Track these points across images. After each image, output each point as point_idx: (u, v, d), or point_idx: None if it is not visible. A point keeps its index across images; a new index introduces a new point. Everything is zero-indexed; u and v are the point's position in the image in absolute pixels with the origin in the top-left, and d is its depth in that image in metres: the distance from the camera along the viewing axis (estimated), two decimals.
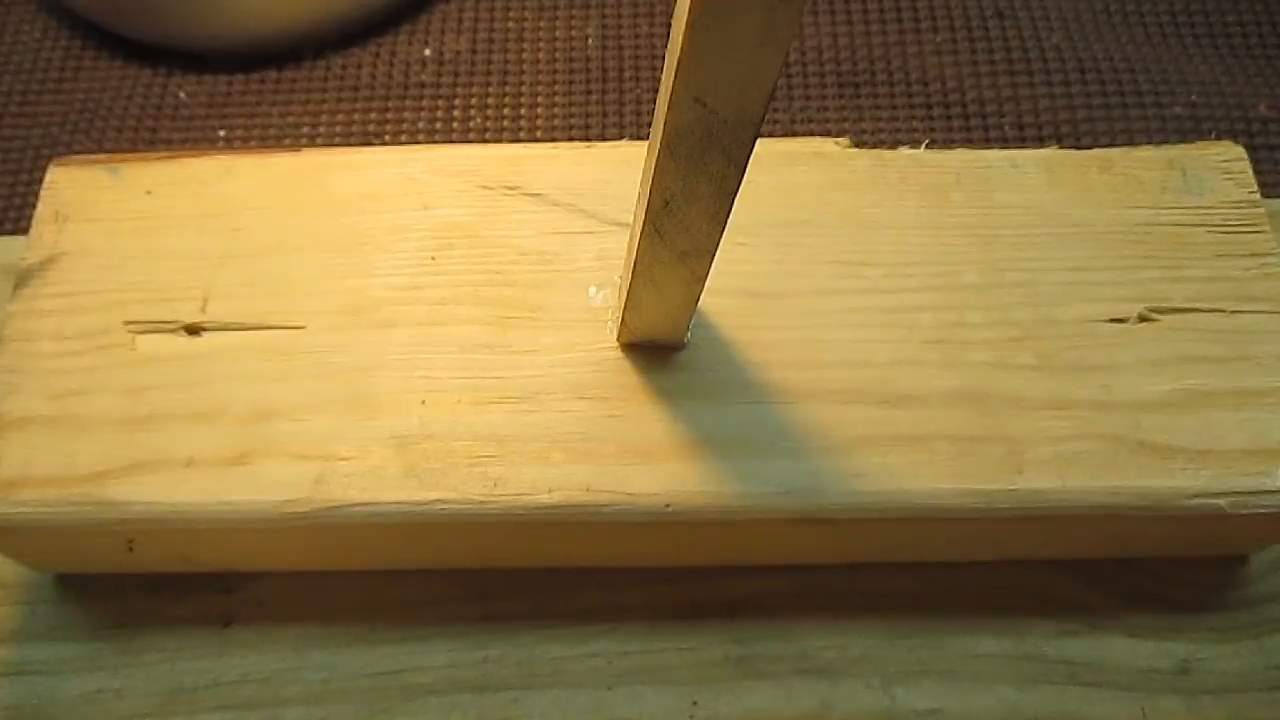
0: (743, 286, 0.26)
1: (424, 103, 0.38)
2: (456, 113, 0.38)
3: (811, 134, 0.37)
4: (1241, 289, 0.27)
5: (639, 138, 0.37)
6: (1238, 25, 0.39)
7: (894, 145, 0.37)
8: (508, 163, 0.28)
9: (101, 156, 0.29)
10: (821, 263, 0.27)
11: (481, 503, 0.24)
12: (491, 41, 0.39)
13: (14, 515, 0.24)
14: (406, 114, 0.38)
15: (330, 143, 0.37)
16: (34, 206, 0.28)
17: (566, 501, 0.24)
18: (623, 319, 0.25)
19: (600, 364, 0.25)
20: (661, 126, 0.18)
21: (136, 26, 0.38)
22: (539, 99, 0.38)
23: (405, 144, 0.37)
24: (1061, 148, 0.36)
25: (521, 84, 0.38)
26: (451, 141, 0.37)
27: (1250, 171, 0.28)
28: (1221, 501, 0.24)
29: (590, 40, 0.39)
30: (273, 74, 0.38)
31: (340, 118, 0.38)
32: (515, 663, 0.28)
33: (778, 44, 0.16)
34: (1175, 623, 0.28)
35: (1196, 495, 0.24)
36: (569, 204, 0.28)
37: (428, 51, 0.39)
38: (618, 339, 0.26)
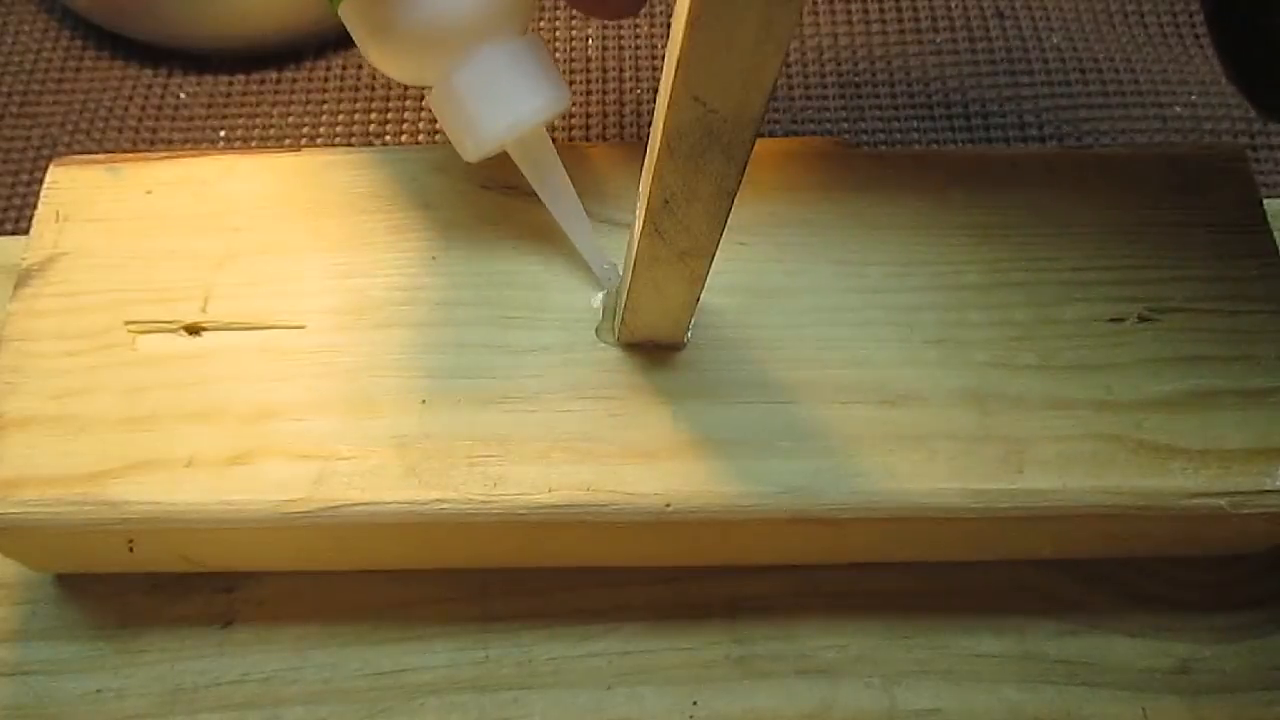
0: (743, 286, 0.26)
1: (424, 103, 0.38)
2: None
3: (811, 134, 0.37)
4: (1241, 289, 0.27)
5: (639, 138, 0.37)
6: None
7: (894, 145, 0.37)
8: (508, 163, 0.28)
9: (101, 156, 0.29)
10: (822, 262, 0.27)
11: (482, 502, 0.24)
12: None
13: (14, 515, 0.24)
14: (407, 114, 0.38)
15: (330, 143, 0.37)
16: (34, 206, 0.28)
17: (566, 501, 0.24)
18: (623, 319, 0.25)
19: (600, 364, 0.25)
20: (661, 126, 0.18)
21: (137, 26, 0.38)
22: None
23: (405, 144, 0.37)
24: (1061, 148, 0.36)
25: None
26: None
27: (1250, 171, 0.28)
28: (1221, 501, 0.24)
29: (590, 41, 0.39)
30: (273, 74, 0.38)
31: (340, 118, 0.38)
32: (515, 663, 0.28)
33: (777, 43, 0.16)
34: (1175, 623, 0.28)
35: (1196, 495, 0.24)
36: None
37: None
38: (618, 339, 0.26)
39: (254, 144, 0.37)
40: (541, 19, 0.40)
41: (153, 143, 0.37)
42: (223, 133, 0.37)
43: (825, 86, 0.38)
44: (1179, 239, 0.27)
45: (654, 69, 0.39)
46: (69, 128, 0.38)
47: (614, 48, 0.39)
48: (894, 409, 0.25)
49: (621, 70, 0.38)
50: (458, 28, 0.23)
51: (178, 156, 0.29)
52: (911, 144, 0.37)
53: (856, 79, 0.38)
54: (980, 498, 0.24)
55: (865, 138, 0.37)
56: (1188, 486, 0.24)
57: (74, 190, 0.28)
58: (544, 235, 0.27)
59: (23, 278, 0.27)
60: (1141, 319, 0.26)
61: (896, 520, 0.24)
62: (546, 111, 0.25)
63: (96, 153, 0.30)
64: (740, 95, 0.17)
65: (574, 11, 0.40)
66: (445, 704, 0.27)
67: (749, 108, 0.17)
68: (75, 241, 0.27)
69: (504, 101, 0.24)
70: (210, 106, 0.38)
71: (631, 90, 0.38)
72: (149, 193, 0.28)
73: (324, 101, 0.38)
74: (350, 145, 0.37)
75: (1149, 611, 0.28)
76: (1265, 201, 0.28)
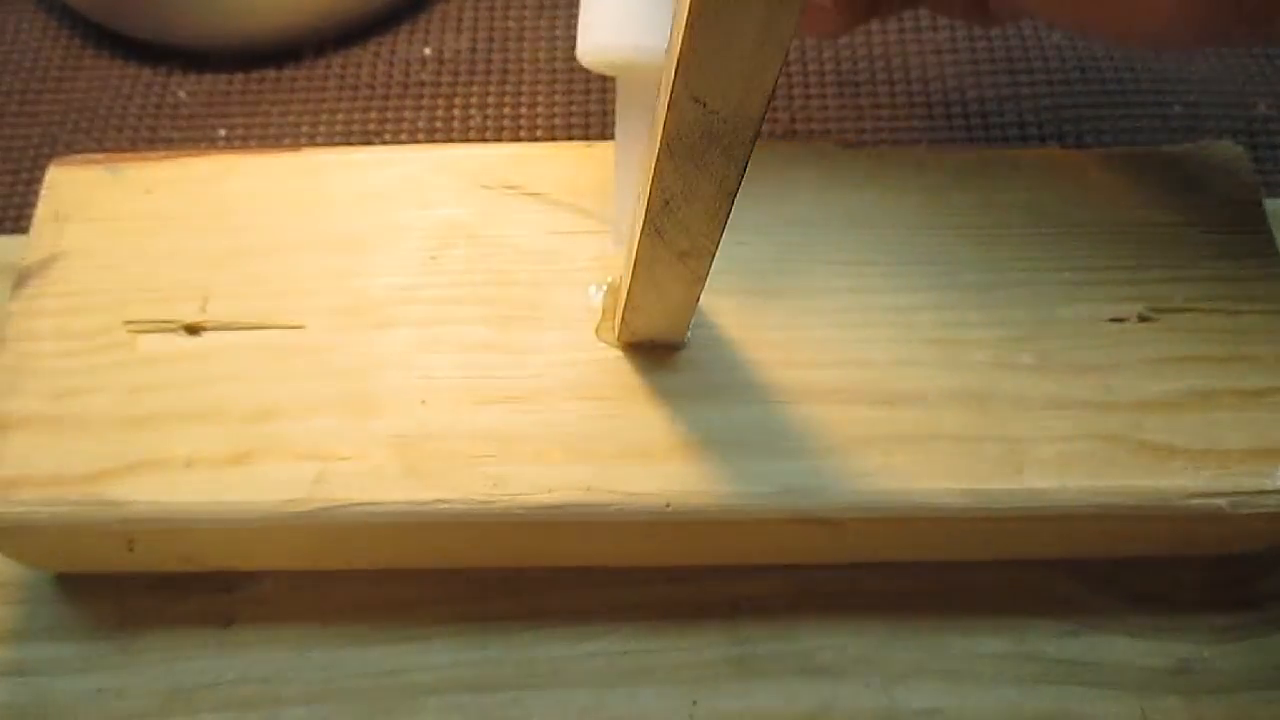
0: (743, 286, 0.26)
1: (424, 102, 0.38)
2: (456, 112, 0.38)
3: (811, 134, 0.37)
4: (1241, 289, 0.27)
5: None
6: None
7: (894, 145, 0.37)
8: (508, 162, 0.28)
9: (101, 156, 0.29)
10: (821, 262, 0.27)
11: (481, 503, 0.24)
12: (491, 41, 0.39)
13: (14, 515, 0.24)
14: (406, 114, 0.38)
15: (330, 142, 0.37)
16: (34, 206, 0.28)
17: (566, 501, 0.24)
18: (623, 319, 0.25)
19: (600, 364, 0.25)
20: (661, 126, 0.18)
21: (136, 26, 0.38)
22: (539, 99, 0.38)
23: (405, 144, 0.37)
24: (1061, 148, 0.36)
25: (521, 84, 0.38)
26: (451, 141, 0.37)
27: (1250, 171, 0.28)
28: (1221, 501, 0.24)
29: None
30: (273, 74, 0.38)
31: (340, 117, 0.38)
32: (515, 663, 0.28)
33: (778, 44, 0.16)
34: (1175, 623, 0.28)
35: (1196, 495, 0.24)
36: (569, 204, 0.28)
37: (428, 51, 0.39)
38: (618, 339, 0.26)
39: (253, 143, 0.37)
40: (541, 18, 0.40)
41: (153, 142, 0.37)
42: (222, 132, 0.37)
43: (825, 86, 0.38)
44: (1179, 239, 0.27)
45: None
46: (69, 127, 0.37)
47: None
48: (894, 409, 0.25)
49: None
50: None
51: (178, 156, 0.29)
52: (911, 144, 0.37)
53: (856, 79, 0.38)
54: (980, 498, 0.24)
55: (865, 138, 0.37)
56: (1188, 486, 0.24)
57: (74, 190, 0.28)
58: (544, 235, 0.27)
59: (22, 278, 0.27)
60: (1141, 319, 0.26)
61: (896, 520, 0.24)
62: None
63: (96, 152, 0.30)
64: (740, 95, 0.17)
65: (574, 10, 0.40)
66: (445, 704, 0.27)
67: (749, 108, 0.17)
68: (75, 241, 0.27)
69: (658, 23, 0.23)
70: (210, 106, 0.38)
71: None
72: (149, 193, 0.28)
73: (323, 101, 0.38)
74: (350, 145, 0.37)
75: (1149, 611, 0.28)
76: (1265, 201, 0.28)
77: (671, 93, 0.17)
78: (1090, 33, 0.24)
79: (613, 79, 0.25)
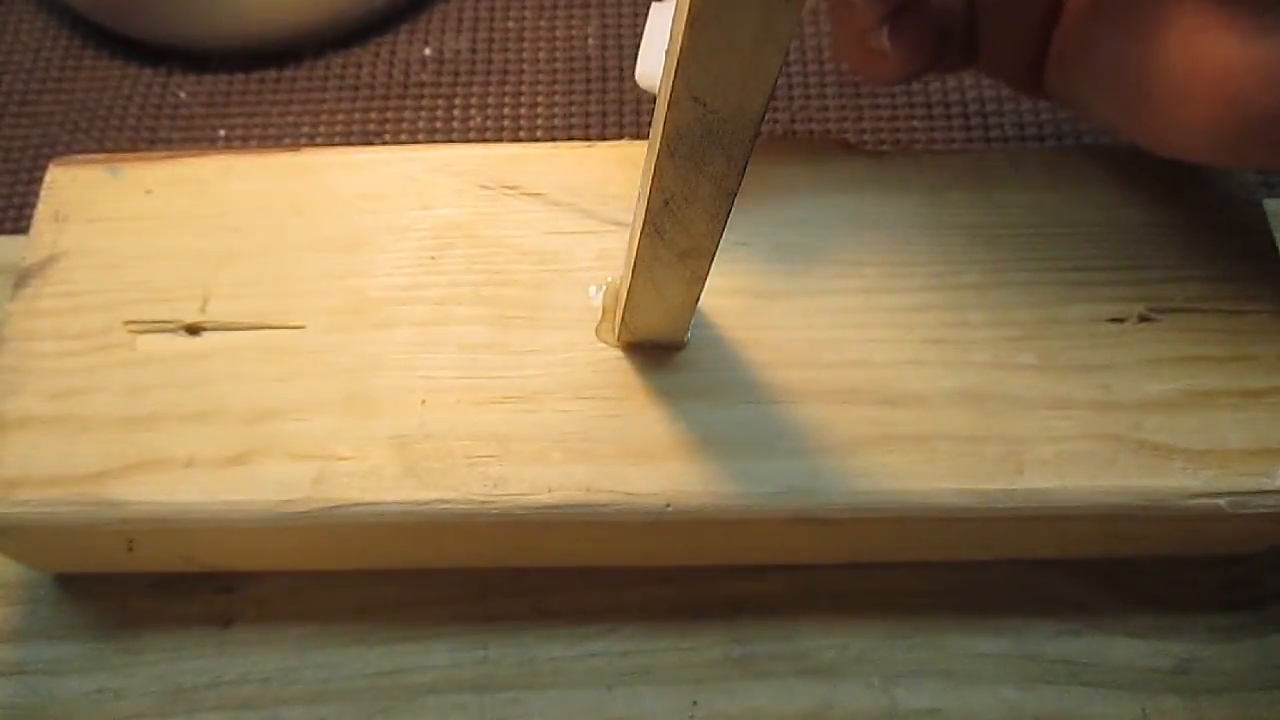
0: (743, 286, 0.26)
1: (424, 103, 0.38)
2: (456, 113, 0.38)
3: (811, 134, 0.37)
4: (1241, 289, 0.27)
5: (639, 138, 0.37)
6: None
7: (894, 145, 0.37)
8: (508, 163, 0.28)
9: (101, 156, 0.29)
10: (821, 262, 0.27)
11: (481, 503, 0.24)
12: (491, 41, 0.39)
13: (14, 515, 0.24)
14: (406, 114, 0.38)
15: (330, 142, 0.37)
16: (34, 206, 0.28)
17: (566, 501, 0.24)
18: (623, 319, 0.25)
19: (600, 364, 0.25)
20: (661, 126, 0.18)
21: (137, 26, 0.38)
22: (539, 99, 0.38)
23: (405, 144, 0.37)
24: (1061, 148, 0.36)
25: (521, 84, 0.38)
26: (451, 141, 0.37)
27: (1250, 171, 0.28)
28: (1221, 501, 0.24)
29: (590, 40, 0.39)
30: (273, 74, 0.39)
31: (340, 117, 0.38)
32: (515, 663, 0.28)
33: (777, 43, 0.16)
34: (1175, 623, 0.28)
35: (1196, 495, 0.24)
36: (569, 204, 0.28)
37: (428, 51, 0.39)
38: (618, 339, 0.26)
39: (254, 143, 0.37)
40: (541, 19, 0.40)
41: (153, 142, 0.37)
42: (222, 132, 0.37)
43: (825, 86, 0.38)
44: (1179, 239, 0.27)
45: None
46: (69, 127, 0.38)
47: (614, 47, 0.39)
48: (894, 409, 0.25)
49: (621, 70, 0.38)
50: None
51: (178, 156, 0.29)
52: (911, 144, 0.37)
53: (856, 79, 0.38)
54: (980, 498, 0.24)
55: (865, 138, 0.37)
56: (1188, 486, 0.24)
57: (74, 190, 0.28)
58: (544, 235, 0.27)
59: (22, 278, 0.27)
60: (1141, 319, 0.26)
61: (896, 520, 0.24)
62: None
63: (96, 152, 0.30)
64: (740, 95, 0.17)
65: (574, 10, 0.40)
66: (445, 704, 0.27)
67: (749, 108, 0.17)
68: (75, 241, 0.27)
69: None
70: (210, 106, 0.38)
71: (631, 90, 0.38)
72: (149, 193, 0.28)
73: (324, 101, 0.38)
74: (350, 145, 0.37)
75: (1149, 611, 0.28)
76: (1265, 201, 0.28)
77: (671, 93, 0.17)
78: (1130, 138, 0.25)
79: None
